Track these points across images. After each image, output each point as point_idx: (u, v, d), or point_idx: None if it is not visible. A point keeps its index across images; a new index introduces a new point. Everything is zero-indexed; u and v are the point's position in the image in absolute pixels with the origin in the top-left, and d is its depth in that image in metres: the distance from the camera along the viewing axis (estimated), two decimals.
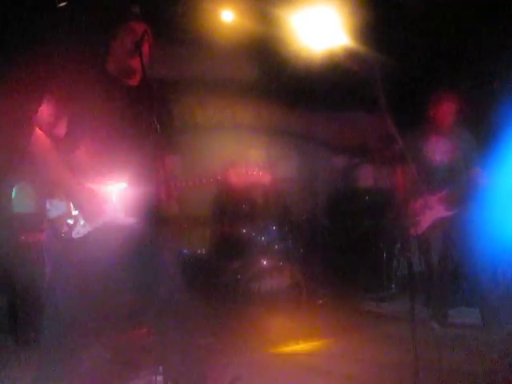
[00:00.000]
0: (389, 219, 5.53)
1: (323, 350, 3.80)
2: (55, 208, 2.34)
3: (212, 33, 4.75)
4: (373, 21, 4.51)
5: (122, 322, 3.74)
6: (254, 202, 4.98)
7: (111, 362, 3.46)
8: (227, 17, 4.87)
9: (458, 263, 4.29)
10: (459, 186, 4.02)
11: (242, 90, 5.81)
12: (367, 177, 6.58)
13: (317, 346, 3.91)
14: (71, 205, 2.35)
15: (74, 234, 2.34)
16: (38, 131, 2.35)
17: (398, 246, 5.53)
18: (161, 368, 2.18)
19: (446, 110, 4.08)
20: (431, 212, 4.09)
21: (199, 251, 5.03)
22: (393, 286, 5.46)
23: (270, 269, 4.37)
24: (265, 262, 4.40)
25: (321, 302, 5.05)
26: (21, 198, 4.26)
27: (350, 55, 3.85)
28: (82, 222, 2.36)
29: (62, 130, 2.37)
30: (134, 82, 2.53)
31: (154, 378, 2.55)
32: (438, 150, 4.14)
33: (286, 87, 5.99)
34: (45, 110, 2.37)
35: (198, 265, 4.84)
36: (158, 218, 2.30)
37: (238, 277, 4.31)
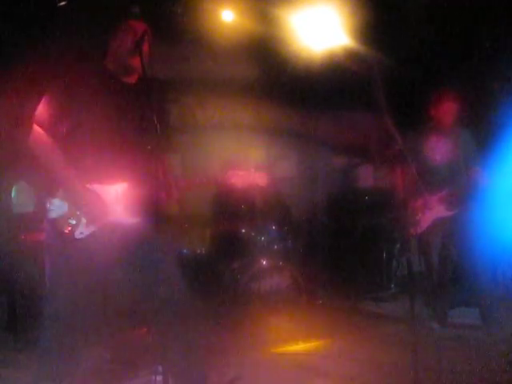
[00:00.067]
0: (389, 219, 5.52)
1: (323, 350, 3.80)
2: (57, 208, 2.33)
3: (212, 33, 4.74)
4: (373, 21, 4.51)
5: (122, 322, 3.73)
6: (253, 201, 4.97)
7: (111, 361, 3.46)
8: (227, 17, 4.87)
9: (457, 263, 4.29)
10: (459, 185, 4.02)
11: (241, 90, 5.81)
12: (367, 177, 6.58)
13: (316, 346, 3.91)
14: (73, 205, 2.34)
15: (77, 235, 2.33)
16: (39, 130, 2.35)
17: (398, 246, 5.53)
18: (160, 368, 2.18)
19: (446, 109, 4.08)
20: (431, 212, 4.09)
21: (199, 251, 5.03)
22: (392, 286, 5.46)
23: (269, 269, 4.37)
24: (264, 262, 4.40)
25: (320, 302, 5.05)
26: (21, 197, 4.26)
27: (350, 55, 3.85)
28: (84, 222, 2.35)
29: (62, 128, 2.37)
30: (132, 80, 2.53)
31: (153, 377, 2.55)
32: (438, 150, 4.14)
33: (285, 87, 5.98)
34: (45, 109, 2.37)
35: (198, 265, 4.84)
36: (159, 218, 2.30)
37: (238, 277, 4.31)
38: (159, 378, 2.13)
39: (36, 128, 2.35)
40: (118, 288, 3.01)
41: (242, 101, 5.97)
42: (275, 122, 6.28)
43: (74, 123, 2.37)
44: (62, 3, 3.97)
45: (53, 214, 2.33)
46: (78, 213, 2.34)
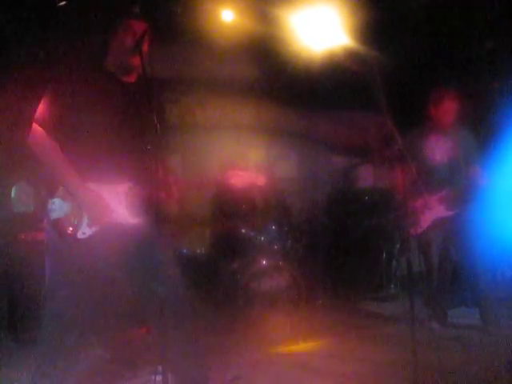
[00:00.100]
0: (389, 219, 5.52)
1: (323, 350, 3.80)
2: (58, 208, 2.32)
3: (212, 33, 4.74)
4: (373, 21, 4.51)
5: (122, 322, 3.73)
6: (253, 201, 4.97)
7: (111, 361, 3.46)
8: (227, 16, 4.87)
9: (457, 263, 4.29)
10: (459, 185, 4.02)
11: (242, 90, 5.81)
12: (367, 177, 6.58)
13: (316, 346, 3.91)
14: (76, 205, 2.34)
15: (79, 235, 2.33)
16: (39, 130, 2.35)
17: (398, 246, 5.53)
18: (160, 367, 2.18)
19: (446, 109, 4.08)
20: (431, 212, 4.08)
21: (199, 251, 5.03)
22: (392, 286, 5.46)
23: (269, 269, 4.37)
24: (264, 262, 4.40)
25: (320, 301, 5.05)
26: (21, 197, 4.26)
27: (350, 55, 3.85)
28: (86, 222, 2.35)
29: (63, 129, 2.37)
30: (132, 79, 2.53)
31: (153, 377, 2.55)
32: (438, 150, 4.14)
33: (286, 87, 5.99)
34: (45, 109, 2.37)
35: (198, 265, 4.84)
36: (159, 218, 2.30)
37: (238, 277, 4.31)
38: (159, 377, 2.13)
39: (36, 128, 2.35)
40: (118, 288, 3.00)
41: (241, 101, 5.97)
42: (275, 122, 6.29)
43: (75, 123, 2.37)
44: (62, 3, 3.97)
45: (54, 215, 2.32)
46: (80, 213, 2.34)
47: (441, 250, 4.14)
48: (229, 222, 4.88)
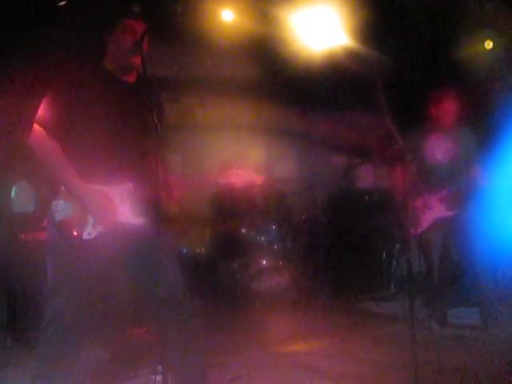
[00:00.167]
0: (389, 219, 5.52)
1: (323, 350, 3.80)
2: (62, 210, 2.32)
3: (212, 32, 4.75)
4: (373, 21, 4.51)
5: (122, 322, 3.73)
6: (253, 201, 4.98)
7: (111, 361, 3.46)
8: (227, 16, 4.87)
9: (457, 263, 4.29)
10: (459, 185, 4.02)
11: (242, 90, 5.81)
12: (367, 177, 6.58)
13: (316, 346, 3.90)
14: (80, 206, 2.34)
15: (85, 235, 2.33)
16: (40, 131, 2.35)
17: (398, 246, 5.53)
18: (160, 367, 2.18)
19: (446, 109, 4.08)
20: (431, 212, 4.08)
21: (199, 251, 5.03)
22: (392, 286, 5.46)
23: (269, 269, 4.37)
24: (264, 262, 4.40)
25: (320, 301, 5.05)
26: (21, 197, 4.26)
27: (350, 55, 3.86)
28: (91, 223, 2.35)
29: (64, 129, 2.36)
30: (132, 79, 2.53)
31: (153, 377, 2.55)
32: (439, 150, 4.13)
33: (286, 87, 5.99)
34: (46, 110, 2.36)
35: (198, 265, 4.84)
36: (159, 218, 2.30)
37: (238, 276, 4.31)
38: (159, 377, 2.13)
39: (37, 129, 2.35)
40: (118, 288, 3.01)
41: (241, 101, 5.97)
42: (275, 122, 6.29)
43: (75, 123, 2.37)
44: (62, 3, 3.97)
45: (58, 216, 2.32)
46: (85, 214, 2.34)
47: (441, 250, 4.15)
48: (229, 222, 4.89)
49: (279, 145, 6.37)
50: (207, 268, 4.80)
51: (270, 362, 3.52)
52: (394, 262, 5.53)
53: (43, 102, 2.37)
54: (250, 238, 4.72)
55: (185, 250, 4.91)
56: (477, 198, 4.00)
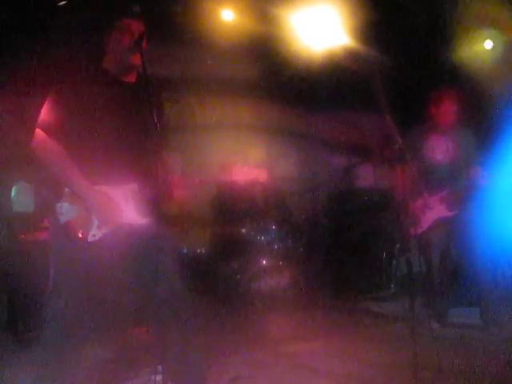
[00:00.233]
0: (388, 219, 5.52)
1: (323, 350, 3.80)
2: (66, 212, 2.32)
3: (212, 32, 4.75)
4: (373, 21, 4.51)
5: (122, 322, 3.73)
6: (253, 201, 4.97)
7: (111, 361, 3.46)
8: (227, 16, 4.87)
9: (458, 263, 4.29)
10: (460, 185, 4.02)
11: (242, 90, 5.81)
12: (367, 177, 6.58)
13: (316, 346, 3.90)
14: (84, 208, 2.33)
15: (90, 237, 2.33)
16: (42, 133, 2.34)
17: (398, 246, 5.52)
18: (160, 367, 2.18)
19: (447, 109, 4.07)
20: (431, 212, 4.08)
21: (199, 251, 5.03)
22: (392, 286, 5.46)
23: (269, 269, 4.37)
24: (264, 262, 4.40)
25: (320, 301, 5.05)
26: (21, 197, 4.26)
27: (350, 55, 3.86)
28: (96, 224, 2.34)
29: (66, 131, 2.36)
30: (132, 78, 2.53)
31: (153, 377, 2.55)
32: (439, 150, 4.13)
33: (286, 87, 5.99)
34: (48, 112, 2.36)
35: (198, 265, 4.84)
36: (161, 218, 2.30)
37: (238, 277, 4.31)
38: (159, 377, 2.14)
39: (39, 132, 2.35)
40: (119, 288, 3.00)
41: (241, 100, 5.97)
42: (275, 122, 6.29)
43: (76, 124, 2.37)
44: (62, 3, 3.97)
45: (63, 219, 2.32)
46: (89, 215, 2.33)
47: (441, 250, 4.15)
48: (229, 222, 4.89)
49: (279, 145, 6.37)
50: (207, 268, 4.80)
51: (270, 362, 3.52)
52: (394, 262, 5.52)
53: (45, 104, 2.37)
54: (250, 237, 4.71)
55: (185, 250, 4.91)
56: (477, 199, 4.00)
